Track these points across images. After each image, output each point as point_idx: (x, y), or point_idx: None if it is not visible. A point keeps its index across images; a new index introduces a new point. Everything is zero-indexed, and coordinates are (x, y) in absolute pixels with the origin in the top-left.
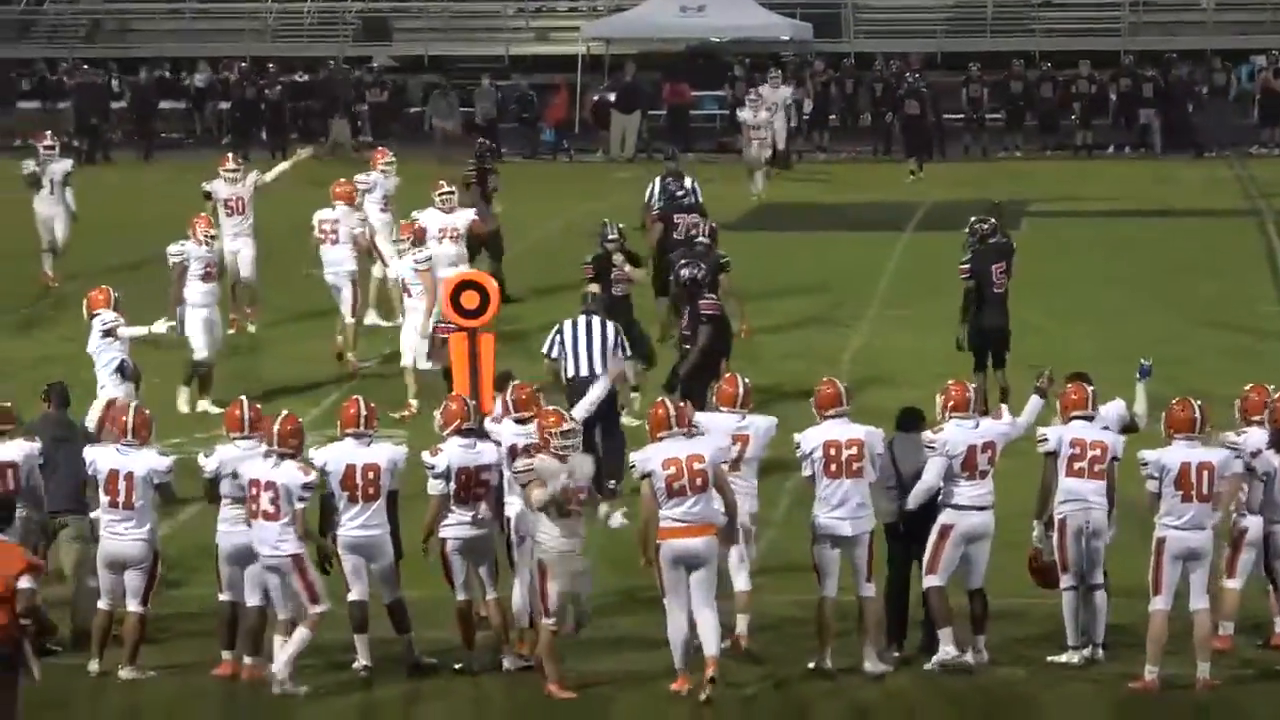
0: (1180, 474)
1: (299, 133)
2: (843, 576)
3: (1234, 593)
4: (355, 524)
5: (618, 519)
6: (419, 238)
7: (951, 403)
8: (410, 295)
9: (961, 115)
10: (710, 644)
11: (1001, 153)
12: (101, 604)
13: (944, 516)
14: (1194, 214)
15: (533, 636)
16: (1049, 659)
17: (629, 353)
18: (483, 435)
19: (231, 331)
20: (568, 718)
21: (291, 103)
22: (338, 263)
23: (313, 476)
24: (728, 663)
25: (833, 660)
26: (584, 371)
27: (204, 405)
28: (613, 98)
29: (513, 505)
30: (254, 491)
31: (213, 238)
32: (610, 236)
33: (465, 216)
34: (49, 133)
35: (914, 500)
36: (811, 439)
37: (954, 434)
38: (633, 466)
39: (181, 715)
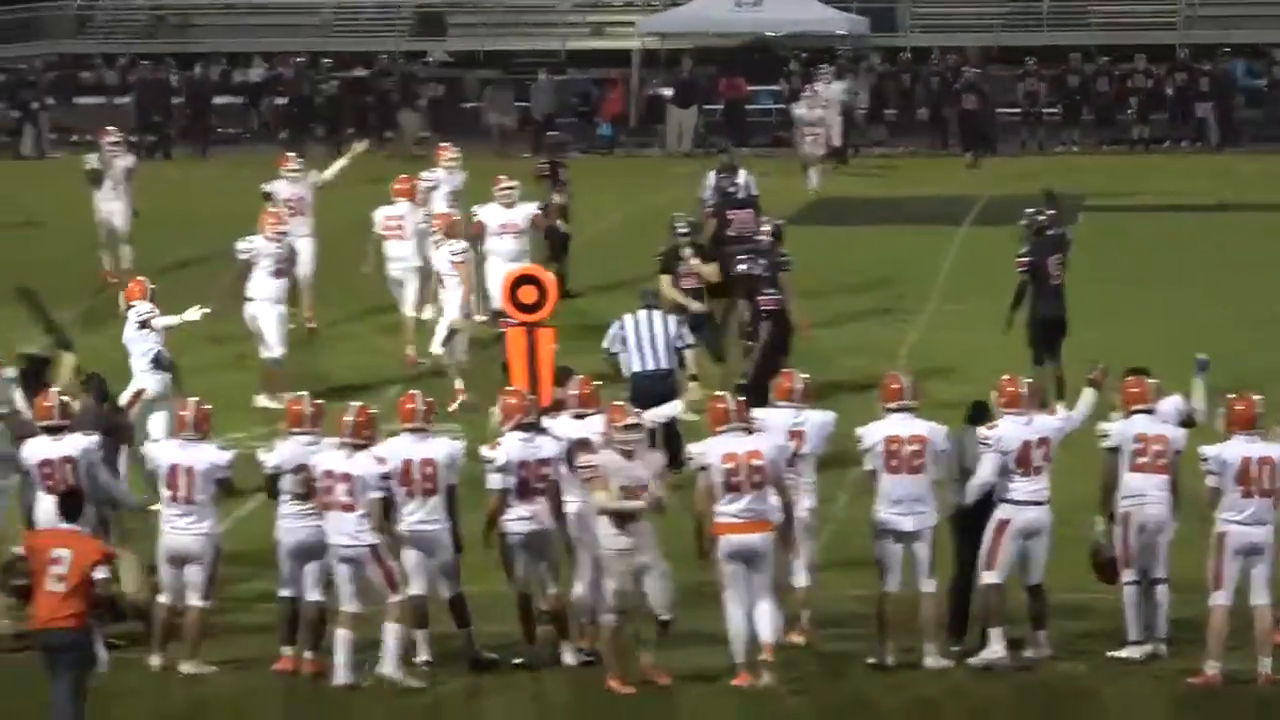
0: (1241, 469)
1: (356, 128)
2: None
3: None
4: (414, 519)
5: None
6: (452, 231)
7: (1005, 399)
8: (445, 287)
9: (1018, 110)
10: (766, 633)
11: (1058, 147)
12: (163, 599)
13: (1000, 512)
14: (1252, 208)
15: (594, 631)
16: (1110, 654)
17: (690, 341)
18: (542, 429)
19: (293, 327)
20: (628, 713)
21: (349, 97)
22: (403, 258)
23: (388, 467)
24: (787, 657)
25: (894, 655)
26: (648, 366)
27: (263, 400)
28: (669, 92)
29: (572, 500)
30: (328, 483)
31: (283, 234)
32: (681, 229)
33: (526, 211)
34: (112, 129)
35: (969, 496)
36: (873, 433)
37: (1008, 430)
38: (690, 458)
39: (242, 710)
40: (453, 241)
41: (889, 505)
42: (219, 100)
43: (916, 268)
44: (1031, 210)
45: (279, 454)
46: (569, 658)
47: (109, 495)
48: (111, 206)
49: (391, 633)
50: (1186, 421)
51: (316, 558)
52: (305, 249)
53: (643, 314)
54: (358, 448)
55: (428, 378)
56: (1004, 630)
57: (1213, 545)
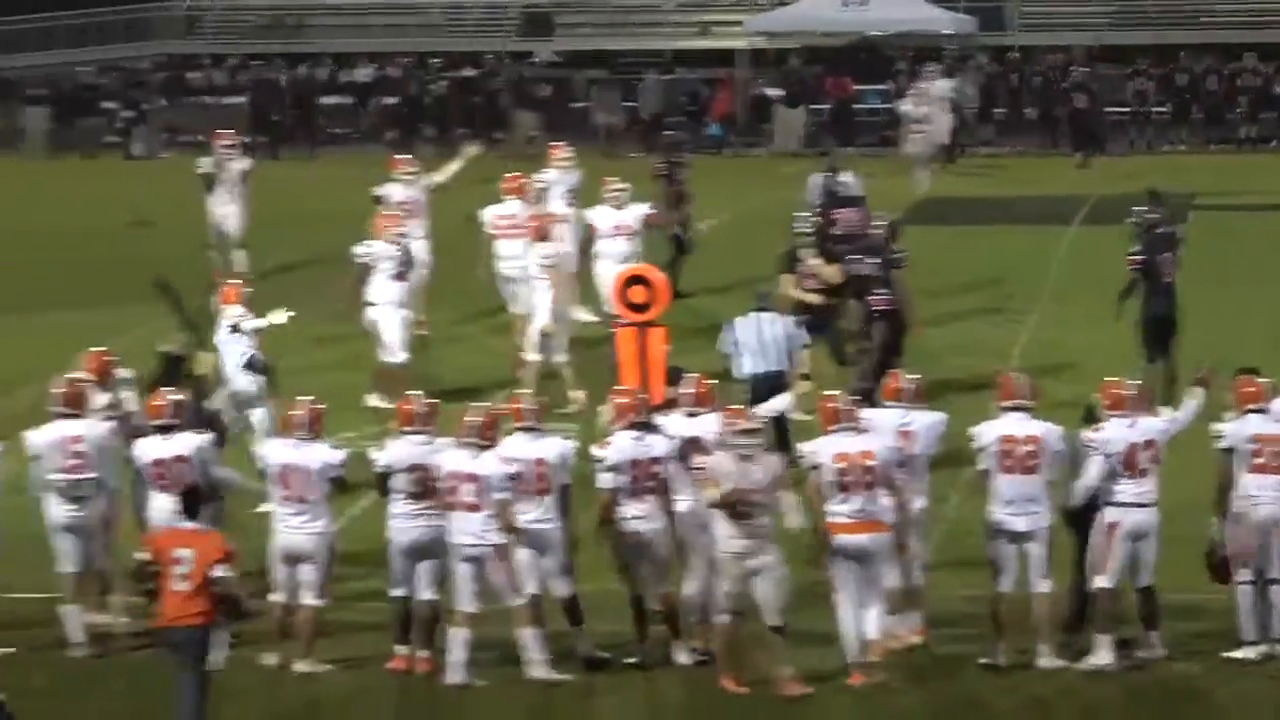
0: None
1: (464, 128)
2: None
3: None
4: (528, 518)
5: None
6: (542, 233)
7: (1109, 401)
8: (535, 290)
9: (1127, 109)
10: (874, 630)
11: (1166, 146)
12: (277, 597)
13: (1108, 514)
14: None
15: (705, 630)
16: (1225, 655)
17: (808, 341)
18: (653, 428)
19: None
20: (741, 713)
21: (457, 97)
22: (514, 257)
23: (514, 468)
24: (901, 657)
25: (1007, 656)
26: (760, 368)
27: (375, 400)
28: (776, 92)
29: (683, 500)
30: (453, 484)
31: (401, 236)
32: (801, 229)
33: (637, 212)
34: (226, 131)
35: (1075, 499)
36: (988, 433)
37: (1113, 433)
38: (801, 457)
39: (356, 708)
40: (543, 244)
41: (1003, 505)
42: (325, 100)
43: (1026, 267)
44: (1140, 208)
45: (390, 453)
46: (682, 657)
47: (229, 489)
48: (226, 210)
49: (529, 636)
50: None
51: (428, 557)
52: (419, 252)
53: (755, 316)
54: (482, 448)
55: (540, 378)
56: (1113, 638)
57: None
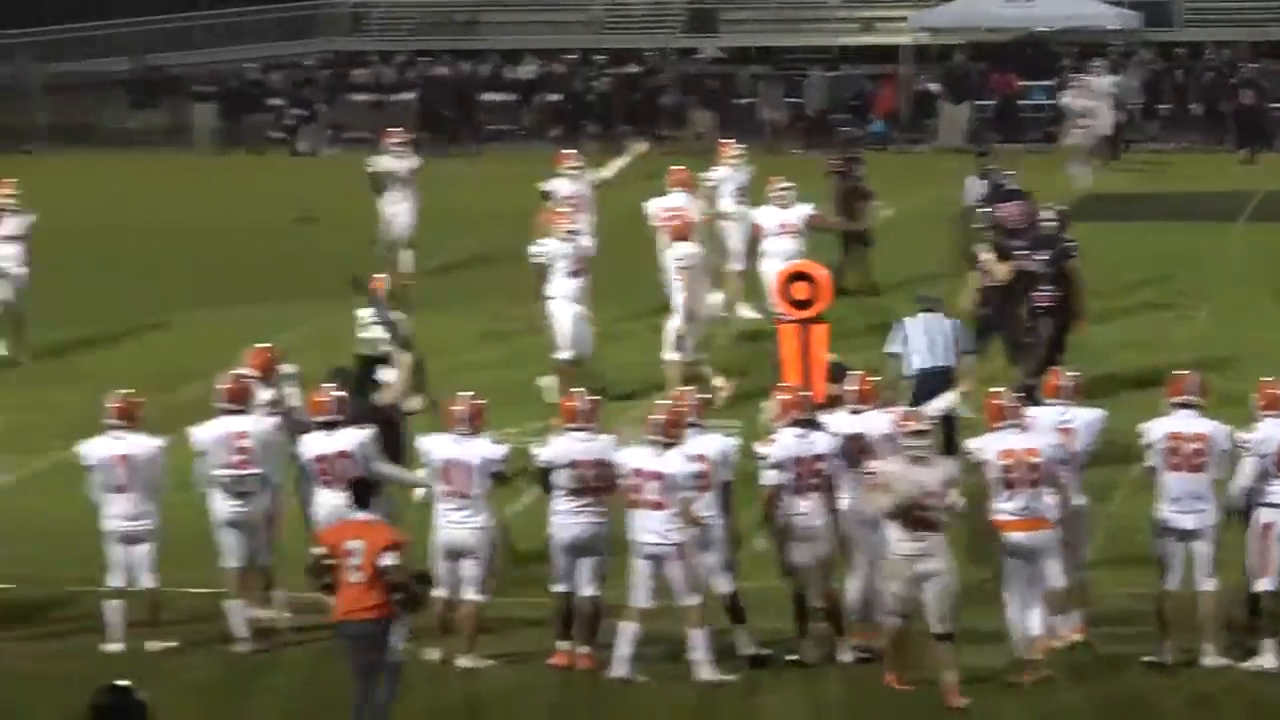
0: None
1: (628, 125)
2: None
3: None
4: None
5: None
6: (681, 233)
7: (1264, 401)
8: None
9: None
10: (1038, 628)
11: None
12: (439, 592)
13: (1262, 515)
14: None
15: (867, 628)
16: None
17: (973, 348)
18: (816, 425)
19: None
20: (903, 711)
21: (621, 94)
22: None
23: (703, 466)
24: (1065, 655)
25: (1172, 654)
26: (927, 363)
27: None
28: (940, 88)
29: (846, 496)
30: (637, 481)
31: (574, 233)
32: (975, 225)
33: (802, 211)
34: (396, 130)
35: (1231, 502)
36: (1155, 430)
37: (1267, 433)
38: (967, 453)
39: (518, 704)
40: (681, 244)
41: (1169, 503)
42: (488, 98)
43: (1192, 263)
44: None
45: (552, 449)
46: (844, 654)
47: (392, 482)
48: (397, 209)
49: (697, 636)
50: None
51: (590, 553)
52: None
53: (921, 316)
54: (668, 446)
55: (702, 379)
56: (1278, 640)
57: None
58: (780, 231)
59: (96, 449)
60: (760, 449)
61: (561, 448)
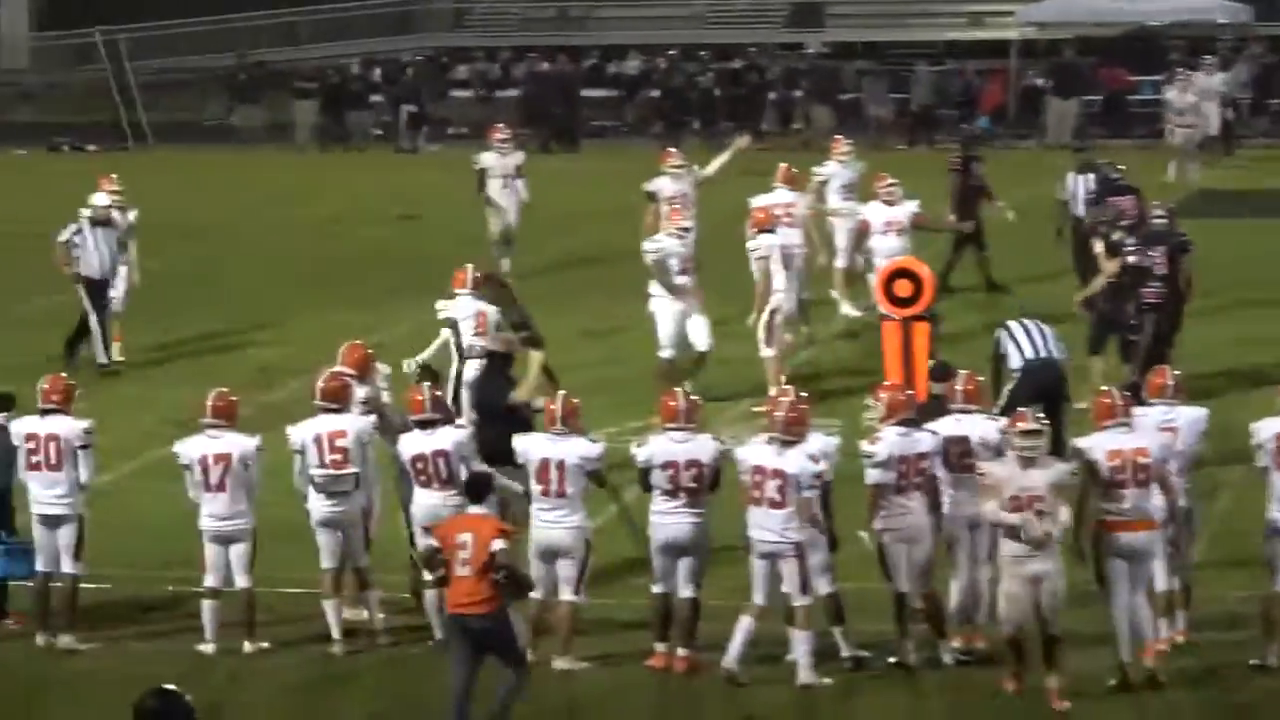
0: None
1: (730, 120)
2: None
3: None
4: None
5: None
6: (763, 224)
7: None
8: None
9: None
10: (1147, 631)
11: None
12: (535, 594)
13: None
14: None
15: (969, 631)
16: None
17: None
18: (920, 424)
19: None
20: (1005, 713)
21: (724, 90)
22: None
23: (823, 465)
24: (1171, 657)
25: (1278, 657)
26: (1031, 355)
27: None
28: (1047, 83)
29: (949, 498)
30: (758, 479)
31: (686, 230)
32: (1093, 219)
33: (909, 209)
34: (501, 126)
35: None
36: (1266, 429)
37: None
38: (1076, 451)
39: (615, 706)
40: (759, 236)
41: (1278, 504)
42: (589, 93)
43: None
44: None
45: (650, 448)
46: (945, 657)
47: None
48: (503, 204)
49: (801, 639)
50: None
51: (688, 554)
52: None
53: (1023, 319)
54: (788, 444)
55: (805, 377)
56: None
57: None
58: (886, 229)
59: (193, 448)
60: (866, 447)
61: (659, 447)
